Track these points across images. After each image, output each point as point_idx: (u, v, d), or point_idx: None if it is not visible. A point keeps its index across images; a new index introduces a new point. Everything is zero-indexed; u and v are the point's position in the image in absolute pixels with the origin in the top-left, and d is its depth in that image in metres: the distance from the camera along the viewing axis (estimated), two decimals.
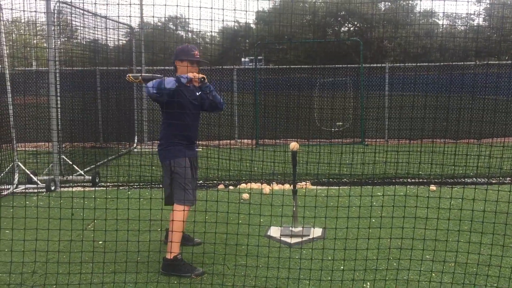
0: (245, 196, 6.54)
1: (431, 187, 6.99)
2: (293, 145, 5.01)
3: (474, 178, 7.66)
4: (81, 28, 8.69)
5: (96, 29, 9.13)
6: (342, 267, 4.18)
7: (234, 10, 4.05)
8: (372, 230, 4.89)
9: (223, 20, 3.78)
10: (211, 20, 3.83)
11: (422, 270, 4.07)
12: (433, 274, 4.00)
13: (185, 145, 4.23)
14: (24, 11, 7.42)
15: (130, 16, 9.47)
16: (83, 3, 8.16)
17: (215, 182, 7.60)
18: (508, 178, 7.64)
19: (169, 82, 3.95)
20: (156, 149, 4.37)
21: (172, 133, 4.20)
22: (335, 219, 4.47)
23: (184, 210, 4.14)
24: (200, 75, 4.13)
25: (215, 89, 4.38)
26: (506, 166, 7.97)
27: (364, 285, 3.87)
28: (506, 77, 11.29)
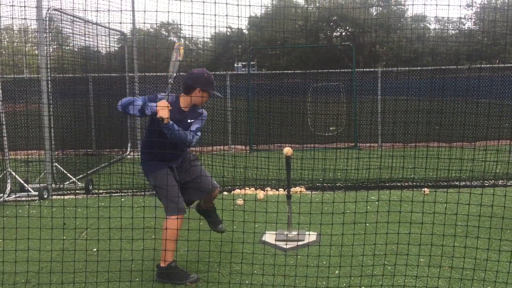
0: (240, 202, 6.51)
1: (424, 190, 7.00)
2: (287, 150, 5.00)
3: (467, 181, 7.66)
4: (73, 35, 8.65)
5: (88, 36, 9.09)
6: (337, 271, 4.17)
7: (226, 16, 4.04)
8: (367, 236, 4.87)
9: (215, 26, 3.77)
10: (203, 26, 3.81)
11: (418, 276, 4.06)
12: (429, 279, 3.98)
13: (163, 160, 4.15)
14: (13, 18, 7.36)
15: (121, 23, 9.44)
16: (73, 9, 8.11)
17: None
18: (500, 181, 7.66)
19: (150, 108, 3.90)
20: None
21: (150, 149, 4.16)
22: (330, 225, 4.45)
23: (177, 219, 4.09)
24: (163, 116, 3.82)
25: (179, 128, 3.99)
26: (499, 169, 7.99)
27: None
28: (498, 81, 11.34)
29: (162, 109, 3.80)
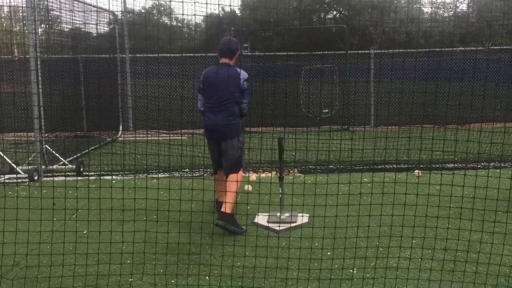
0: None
1: (416, 173, 6.97)
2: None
3: (459, 164, 7.65)
4: (64, 14, 8.47)
5: (78, 16, 8.92)
6: (329, 253, 4.14)
7: None
8: (360, 218, 4.84)
9: (206, 3, 3.66)
10: (194, 2, 3.70)
11: (411, 257, 4.04)
12: (422, 261, 3.96)
13: None
14: None
15: None
16: None
17: (202, 170, 7.50)
18: (492, 163, 7.66)
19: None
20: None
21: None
22: (323, 206, 4.40)
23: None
24: None
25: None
26: (493, 151, 7.97)
27: (354, 272, 3.83)
28: (494, 63, 11.28)
29: None
